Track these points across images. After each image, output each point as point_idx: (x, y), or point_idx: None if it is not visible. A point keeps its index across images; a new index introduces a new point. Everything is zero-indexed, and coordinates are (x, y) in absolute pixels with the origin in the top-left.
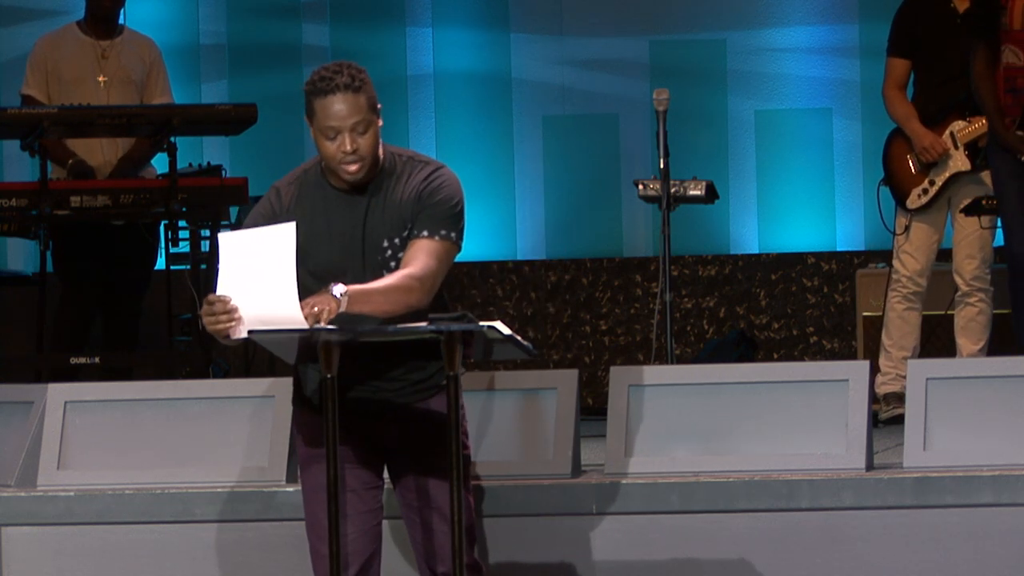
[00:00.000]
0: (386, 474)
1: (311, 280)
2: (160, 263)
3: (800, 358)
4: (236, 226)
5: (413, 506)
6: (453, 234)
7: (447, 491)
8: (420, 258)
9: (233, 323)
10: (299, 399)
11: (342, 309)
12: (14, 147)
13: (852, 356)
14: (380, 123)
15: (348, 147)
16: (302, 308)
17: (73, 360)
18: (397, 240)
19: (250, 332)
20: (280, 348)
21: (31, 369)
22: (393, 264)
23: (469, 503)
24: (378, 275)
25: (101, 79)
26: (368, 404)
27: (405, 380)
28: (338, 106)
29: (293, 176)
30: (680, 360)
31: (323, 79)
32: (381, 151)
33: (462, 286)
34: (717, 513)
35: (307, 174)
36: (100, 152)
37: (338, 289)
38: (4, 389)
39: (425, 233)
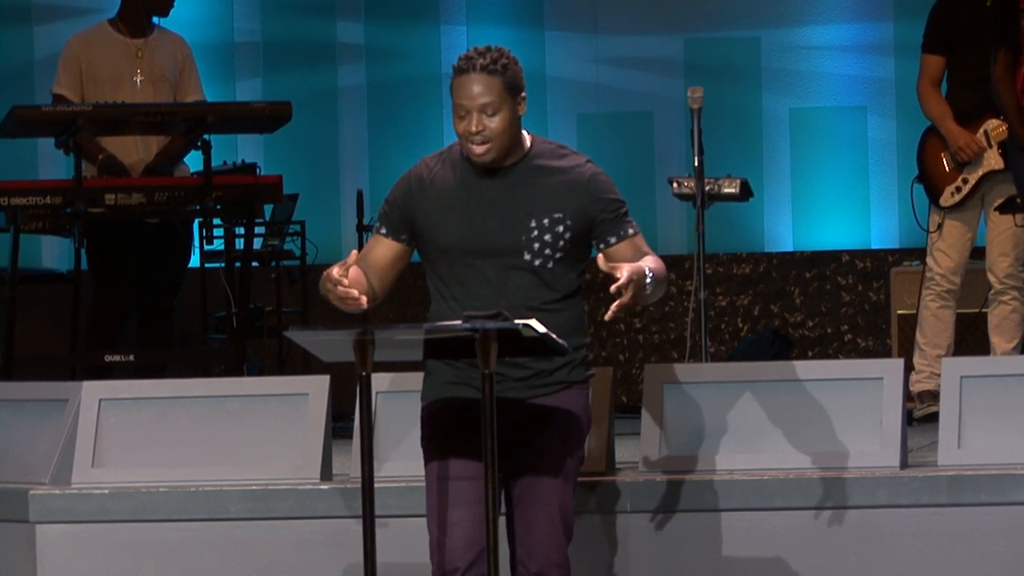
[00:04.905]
0: None
1: (438, 255)
2: (194, 261)
3: (834, 356)
4: (272, 224)
5: (519, 501)
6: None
7: (555, 487)
8: (644, 249)
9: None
10: (427, 392)
11: (647, 292)
12: (48, 145)
13: (887, 354)
14: (522, 110)
15: (473, 127)
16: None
17: (107, 358)
18: (546, 221)
19: (286, 333)
20: (320, 346)
21: (66, 367)
22: (537, 245)
23: (571, 500)
24: (518, 255)
25: (138, 78)
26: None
27: (528, 369)
28: (470, 86)
29: (440, 151)
30: (714, 358)
31: (465, 58)
32: (527, 137)
33: None
34: (751, 511)
35: (451, 149)
36: (135, 150)
37: (645, 267)
38: (39, 387)
39: (631, 232)
